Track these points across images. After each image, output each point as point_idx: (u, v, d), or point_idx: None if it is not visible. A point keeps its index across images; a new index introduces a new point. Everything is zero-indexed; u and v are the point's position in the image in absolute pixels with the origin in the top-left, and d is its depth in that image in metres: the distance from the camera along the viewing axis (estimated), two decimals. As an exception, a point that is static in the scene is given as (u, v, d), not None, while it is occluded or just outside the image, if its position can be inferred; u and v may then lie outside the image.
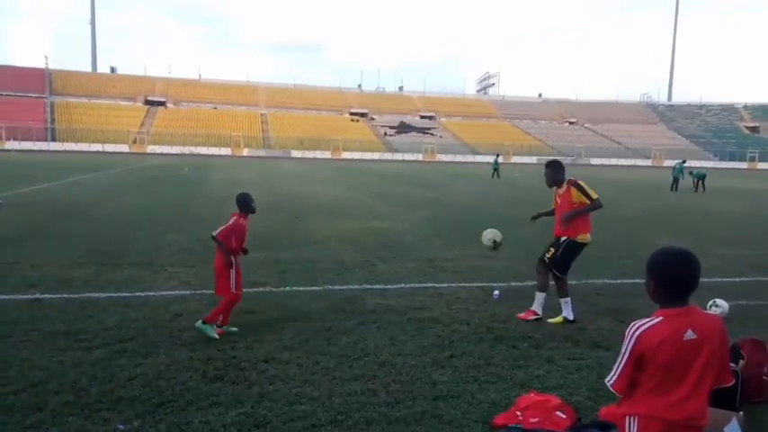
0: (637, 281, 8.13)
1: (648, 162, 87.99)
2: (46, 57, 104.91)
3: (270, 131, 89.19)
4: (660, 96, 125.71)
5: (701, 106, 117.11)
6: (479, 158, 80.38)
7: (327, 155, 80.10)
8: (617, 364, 2.58)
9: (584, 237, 6.24)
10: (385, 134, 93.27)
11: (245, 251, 6.01)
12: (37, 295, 6.97)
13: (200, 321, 5.63)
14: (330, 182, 30.77)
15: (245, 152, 78.89)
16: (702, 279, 2.58)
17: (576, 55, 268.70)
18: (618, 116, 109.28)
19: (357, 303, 6.98)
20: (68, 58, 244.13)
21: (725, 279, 8.59)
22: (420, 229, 13.59)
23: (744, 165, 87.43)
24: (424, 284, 8.03)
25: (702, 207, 21.15)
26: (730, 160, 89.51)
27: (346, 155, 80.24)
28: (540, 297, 6.35)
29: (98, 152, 70.51)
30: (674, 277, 2.53)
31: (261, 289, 7.56)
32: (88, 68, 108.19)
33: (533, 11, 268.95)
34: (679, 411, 2.49)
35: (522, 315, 6.31)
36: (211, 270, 5.93)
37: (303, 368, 4.91)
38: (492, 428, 3.96)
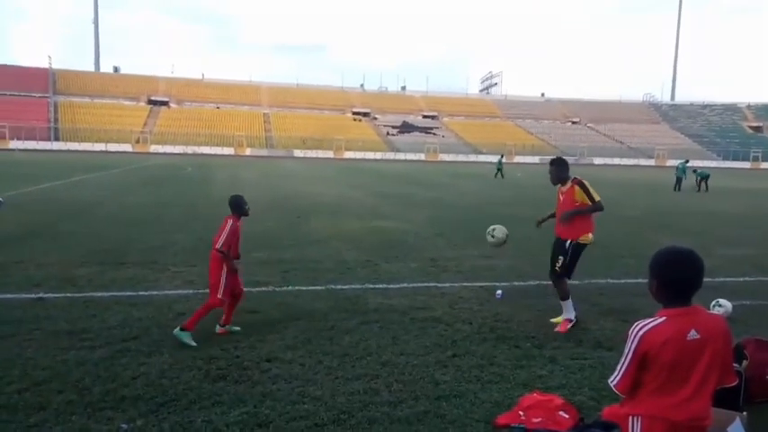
0: (639, 280, 8.12)
1: (651, 162, 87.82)
2: (49, 56, 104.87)
3: (272, 131, 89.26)
4: (663, 96, 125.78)
5: (705, 106, 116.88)
6: (482, 158, 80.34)
7: (330, 154, 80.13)
8: (620, 364, 2.57)
9: (587, 237, 6.20)
10: (387, 134, 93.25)
11: (238, 256, 5.86)
12: (41, 294, 6.99)
13: (177, 329, 5.42)
14: (332, 181, 30.78)
15: (248, 152, 78.96)
16: (705, 279, 2.57)
17: (578, 54, 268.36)
18: (621, 116, 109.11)
19: (360, 303, 6.99)
20: (72, 57, 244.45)
21: (728, 279, 8.57)
22: (422, 228, 13.59)
23: (747, 164, 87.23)
24: (426, 284, 8.03)
25: (705, 207, 21.10)
26: (733, 160, 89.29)
27: (349, 154, 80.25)
28: (567, 305, 6.21)
29: (101, 152, 70.65)
30: (677, 277, 2.52)
31: (264, 288, 7.57)
32: (91, 68, 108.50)
33: (536, 10, 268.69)
34: (683, 412, 2.48)
35: (559, 328, 6.07)
36: (207, 268, 5.92)
37: (306, 367, 4.91)
38: (495, 428, 3.96)
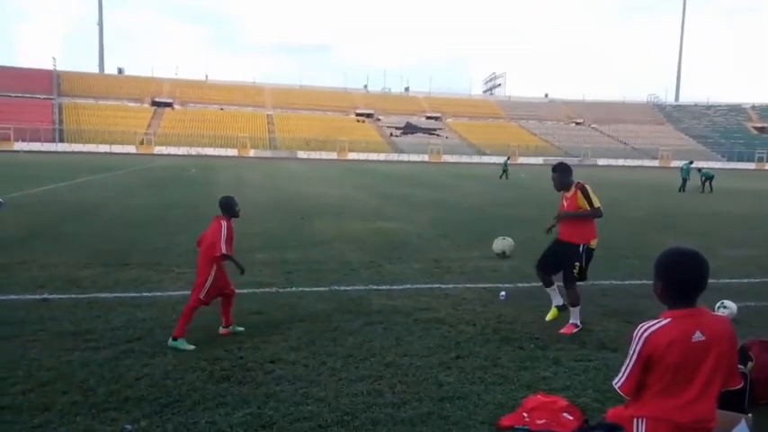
0: (644, 282, 8.10)
1: (655, 163, 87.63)
2: (54, 58, 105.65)
3: (276, 132, 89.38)
4: (667, 97, 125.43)
5: (709, 106, 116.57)
6: (485, 159, 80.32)
7: (333, 155, 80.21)
8: (625, 366, 2.57)
9: (595, 241, 6.20)
10: (391, 135, 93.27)
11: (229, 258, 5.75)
12: (45, 295, 7.01)
13: (170, 340, 5.35)
14: (336, 182, 30.80)
15: (252, 153, 79.08)
16: (710, 280, 2.57)
17: (582, 55, 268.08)
18: (625, 116, 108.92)
19: (363, 304, 6.98)
20: (76, 59, 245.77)
21: (732, 280, 8.54)
22: (426, 229, 13.59)
23: (752, 165, 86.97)
24: (430, 285, 8.02)
25: (709, 208, 21.04)
26: (738, 161, 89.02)
27: (352, 155, 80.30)
28: (576, 311, 6.16)
29: (105, 153, 70.85)
30: (682, 278, 2.52)
31: (267, 290, 7.58)
32: (96, 70, 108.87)
33: (540, 11, 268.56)
34: (687, 414, 2.47)
35: (564, 331, 6.05)
36: None
37: (309, 369, 4.91)
38: (498, 430, 3.95)
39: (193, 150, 76.91)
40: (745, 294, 7.63)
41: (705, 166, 40.47)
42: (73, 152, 69.84)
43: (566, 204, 6.22)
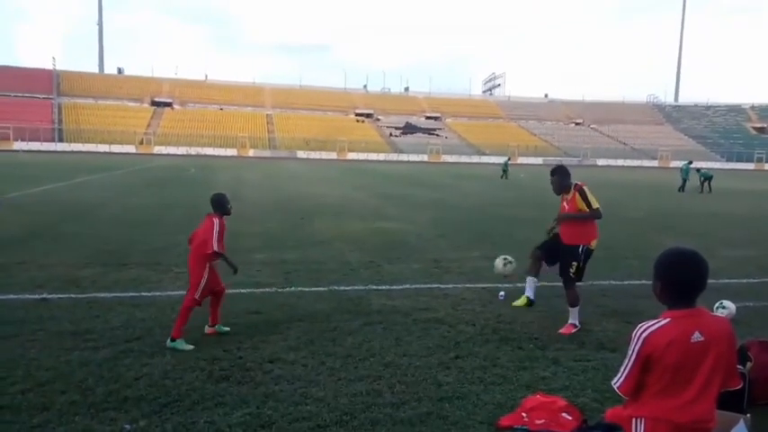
0: (643, 282, 8.10)
1: (655, 163, 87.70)
2: (53, 58, 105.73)
3: (275, 132, 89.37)
4: (667, 97, 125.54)
5: (708, 107, 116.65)
6: (485, 159, 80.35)
7: (333, 155, 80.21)
8: (624, 366, 2.57)
9: (595, 242, 6.20)
10: (390, 135, 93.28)
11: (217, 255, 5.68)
12: (44, 295, 7.00)
13: (168, 341, 5.34)
14: (335, 182, 30.80)
15: (251, 153, 79.08)
16: (709, 280, 2.57)
17: (582, 55, 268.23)
18: (624, 117, 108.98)
19: (362, 304, 6.98)
20: (76, 59, 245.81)
21: (731, 280, 8.55)
22: (425, 229, 13.59)
23: (751, 166, 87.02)
24: (429, 285, 8.02)
25: (709, 208, 21.05)
26: (737, 161, 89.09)
27: (352, 155, 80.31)
28: (574, 312, 6.18)
29: (105, 153, 70.82)
30: (681, 278, 2.52)
31: (266, 289, 7.57)
32: (95, 69, 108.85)
33: (539, 11, 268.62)
34: (686, 414, 2.47)
35: (563, 331, 6.07)
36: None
37: (308, 369, 4.91)
38: (497, 430, 3.95)
39: (193, 150, 76.89)
40: (744, 295, 7.64)
41: (704, 166, 40.51)
42: (72, 152, 69.81)
43: (566, 207, 6.21)
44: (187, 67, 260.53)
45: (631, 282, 8.48)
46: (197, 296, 5.45)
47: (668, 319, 2.51)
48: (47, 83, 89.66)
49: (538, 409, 4.05)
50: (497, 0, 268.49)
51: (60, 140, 76.55)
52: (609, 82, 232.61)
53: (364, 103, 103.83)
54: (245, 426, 3.90)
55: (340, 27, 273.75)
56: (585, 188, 6.14)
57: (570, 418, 3.97)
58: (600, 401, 4.32)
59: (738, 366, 3.12)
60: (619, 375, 2.59)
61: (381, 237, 12.32)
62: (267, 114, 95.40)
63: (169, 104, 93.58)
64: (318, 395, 4.38)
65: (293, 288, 7.70)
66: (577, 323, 6.15)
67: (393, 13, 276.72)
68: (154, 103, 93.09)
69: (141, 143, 78.23)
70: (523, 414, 4.03)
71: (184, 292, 7.21)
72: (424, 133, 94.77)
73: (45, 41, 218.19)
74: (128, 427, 3.86)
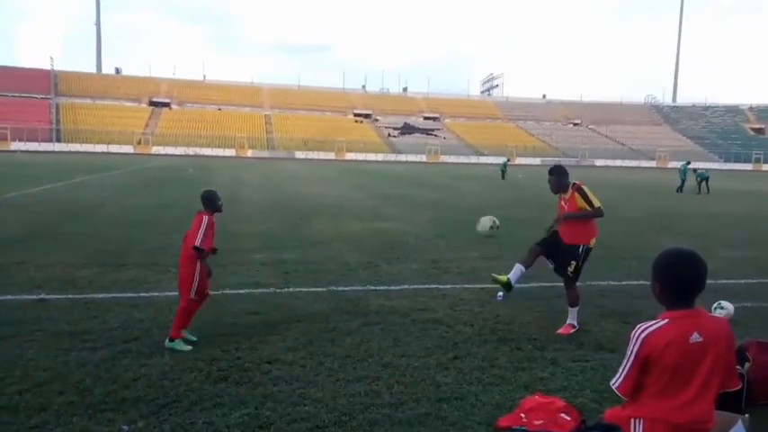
0: (642, 282, 8.11)
1: (653, 163, 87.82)
2: (51, 58, 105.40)
3: (274, 132, 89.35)
4: (665, 97, 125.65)
5: (706, 107, 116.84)
6: (483, 160, 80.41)
7: (331, 156, 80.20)
8: (622, 367, 2.57)
9: (594, 240, 6.20)
10: (389, 135, 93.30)
11: (215, 251, 5.66)
12: (42, 295, 6.99)
13: (167, 341, 5.31)
14: (334, 183, 30.80)
15: (249, 153, 79.05)
16: (707, 281, 2.57)
17: (580, 56, 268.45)
18: (622, 117, 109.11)
19: (361, 304, 6.98)
20: (73, 59, 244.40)
21: (730, 281, 8.56)
22: (424, 230, 13.59)
23: (749, 166, 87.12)
24: (427, 286, 8.02)
25: (707, 209, 21.08)
26: (735, 162, 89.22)
27: (350, 156, 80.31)
28: (574, 312, 6.18)
29: (103, 153, 70.77)
30: (680, 279, 2.52)
31: (265, 290, 7.57)
32: (93, 69, 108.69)
33: (537, 12, 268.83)
34: (685, 414, 2.47)
35: (561, 331, 6.06)
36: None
37: (307, 369, 4.90)
38: (496, 430, 3.95)
39: (191, 150, 76.85)
40: (743, 295, 7.64)
41: (702, 166, 40.56)
42: (70, 152, 69.73)
43: (565, 207, 6.19)
44: (185, 67, 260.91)
45: (630, 282, 8.49)
46: (192, 296, 5.39)
47: (667, 320, 2.51)
48: (44, 83, 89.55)
49: (536, 409, 4.05)
50: (496, 0, 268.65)
51: (58, 140, 76.47)
52: (607, 82, 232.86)
53: (363, 104, 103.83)
54: (244, 426, 3.89)
55: (339, 27, 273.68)
56: (585, 187, 6.14)
57: (569, 418, 3.97)
58: (598, 402, 4.32)
59: (737, 367, 3.12)
60: (617, 376, 2.59)
61: (380, 237, 12.32)
62: (265, 114, 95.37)
63: (167, 104, 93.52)
64: (317, 396, 4.38)
65: (292, 288, 7.69)
66: (576, 324, 6.16)
67: (392, 13, 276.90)
68: (152, 104, 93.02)
69: (139, 143, 78.16)
70: (522, 415, 4.03)
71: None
72: (422, 134, 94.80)
73: (43, 41, 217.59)
74: (126, 427, 3.85)
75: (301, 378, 4.71)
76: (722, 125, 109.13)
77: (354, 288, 7.79)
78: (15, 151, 65.55)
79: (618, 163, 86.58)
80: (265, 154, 79.08)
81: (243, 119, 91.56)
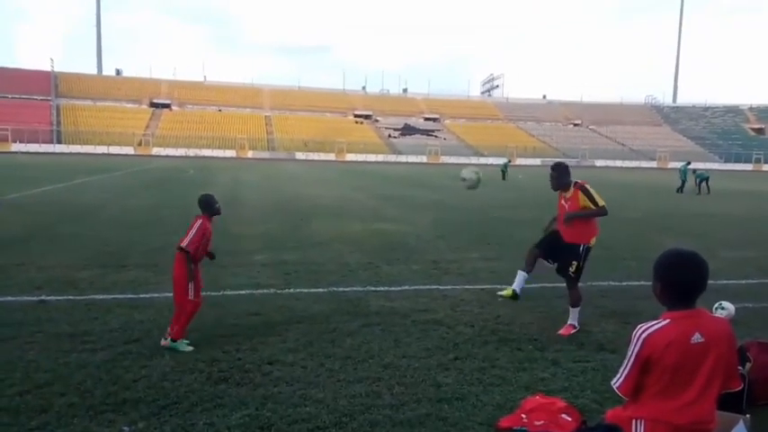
0: (642, 283, 8.11)
1: (653, 164, 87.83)
2: (52, 59, 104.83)
3: (274, 133, 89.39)
4: (665, 98, 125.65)
5: (706, 108, 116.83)
6: (483, 160, 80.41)
7: (331, 157, 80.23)
8: (623, 367, 2.57)
9: (595, 239, 6.19)
10: (389, 136, 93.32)
11: (212, 256, 5.62)
12: (42, 297, 6.99)
13: (168, 341, 5.26)
14: (334, 184, 30.80)
15: (250, 154, 79.09)
16: (708, 281, 2.57)
17: (580, 57, 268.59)
18: (622, 118, 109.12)
19: (361, 305, 6.98)
20: (74, 60, 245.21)
21: (730, 281, 8.55)
22: (424, 231, 13.59)
23: (749, 166, 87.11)
24: (428, 286, 8.02)
25: (707, 209, 21.06)
26: (735, 162, 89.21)
27: (350, 157, 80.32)
28: (575, 312, 6.18)
29: (103, 154, 70.81)
30: (681, 279, 2.52)
31: (265, 291, 7.57)
32: (94, 71, 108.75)
33: (538, 12, 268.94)
34: (686, 415, 2.47)
35: (562, 332, 6.06)
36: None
37: (307, 370, 4.90)
38: (497, 431, 3.94)
39: (191, 152, 76.90)
40: (743, 295, 7.63)
41: (703, 167, 40.60)
42: (71, 153, 69.78)
43: (566, 206, 6.17)
44: (185, 68, 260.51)
45: (630, 282, 8.48)
46: (192, 297, 5.37)
47: (668, 321, 2.51)
48: (45, 84, 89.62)
49: (537, 410, 4.04)
50: (496, 0, 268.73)
51: (59, 142, 76.53)
52: (607, 83, 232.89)
53: (363, 105, 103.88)
54: (244, 427, 3.89)
55: (339, 28, 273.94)
56: (588, 186, 6.13)
57: (570, 419, 3.97)
58: (599, 402, 4.31)
59: (738, 367, 3.12)
60: (618, 376, 2.59)
61: (380, 238, 12.32)
62: (266, 116, 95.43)
63: (167, 106, 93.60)
64: (317, 397, 4.37)
65: (292, 289, 7.69)
66: (577, 324, 6.15)
67: (392, 13, 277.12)
68: (152, 105, 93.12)
69: (140, 144, 78.21)
70: (523, 415, 4.02)
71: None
72: (422, 134, 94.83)
73: (43, 43, 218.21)
74: (126, 429, 3.85)
75: (302, 379, 4.71)
76: (722, 125, 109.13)
77: (355, 289, 7.79)
78: (16, 152, 65.53)
79: (618, 163, 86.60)
80: (266, 155, 79.11)
81: (243, 120, 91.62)
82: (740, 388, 2.74)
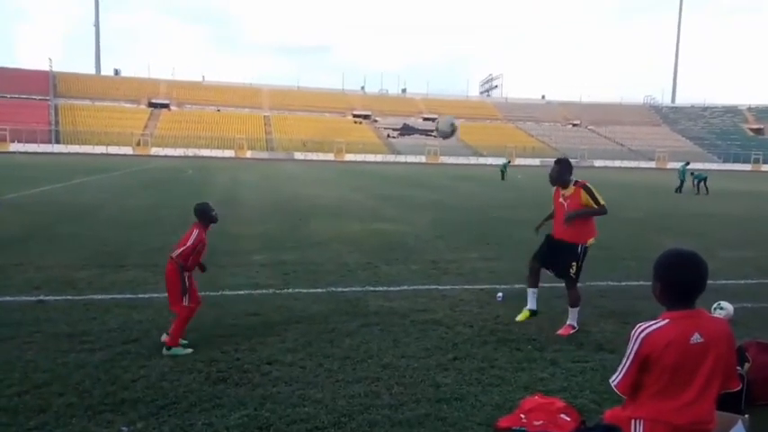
0: (641, 283, 8.11)
1: (652, 164, 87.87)
2: (50, 59, 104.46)
3: (273, 133, 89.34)
4: (664, 98, 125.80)
5: (705, 108, 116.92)
6: (482, 160, 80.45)
7: (330, 157, 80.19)
8: (622, 365, 2.57)
9: (592, 240, 6.19)
10: (388, 136, 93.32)
11: (203, 268, 5.63)
12: (41, 297, 6.98)
13: (164, 349, 5.20)
14: (333, 184, 30.79)
15: (249, 154, 79.04)
16: (707, 281, 2.57)
17: (579, 57, 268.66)
18: (621, 118, 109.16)
19: (360, 305, 6.97)
20: (72, 60, 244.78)
21: (729, 281, 8.55)
22: (423, 231, 13.59)
23: (748, 167, 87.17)
24: (427, 286, 8.02)
25: (706, 209, 21.09)
26: (734, 162, 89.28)
27: (349, 157, 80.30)
28: (574, 312, 6.18)
29: (102, 154, 70.73)
30: (681, 279, 2.52)
31: (264, 291, 7.56)
32: (92, 71, 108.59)
33: (536, 12, 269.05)
34: (685, 415, 2.47)
35: (561, 332, 6.06)
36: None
37: (306, 370, 4.90)
38: (496, 431, 3.94)
39: (190, 152, 76.83)
40: (742, 295, 7.64)
41: (701, 167, 40.67)
42: (69, 153, 69.69)
43: (565, 204, 6.15)
44: (184, 68, 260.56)
45: (629, 283, 8.49)
46: (186, 303, 5.35)
47: (667, 320, 2.51)
48: (43, 84, 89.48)
49: (536, 410, 4.04)
50: (496, 0, 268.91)
51: (57, 142, 76.42)
52: (606, 83, 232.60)
53: (362, 105, 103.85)
54: (243, 428, 3.89)
55: (338, 28, 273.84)
56: (590, 185, 6.13)
57: (569, 419, 3.97)
58: (598, 403, 4.32)
59: (737, 367, 3.12)
60: (617, 374, 2.60)
61: (379, 238, 12.31)
62: (264, 116, 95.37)
63: (166, 106, 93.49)
64: (316, 397, 4.37)
65: (291, 289, 7.69)
66: (576, 324, 6.15)
67: (391, 13, 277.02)
68: (151, 105, 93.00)
69: (138, 144, 78.13)
70: (522, 415, 4.02)
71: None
72: (421, 134, 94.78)
73: (41, 43, 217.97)
74: (125, 429, 3.84)
75: (301, 379, 4.71)
76: (721, 126, 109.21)
77: (354, 289, 7.78)
78: (14, 152, 65.46)
79: (617, 163, 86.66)
80: (264, 155, 79.06)
81: (242, 120, 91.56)
82: (739, 388, 2.74)
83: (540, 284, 6.51)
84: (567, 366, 5.13)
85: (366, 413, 4.12)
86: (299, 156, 79.58)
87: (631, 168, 78.92)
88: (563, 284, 6.33)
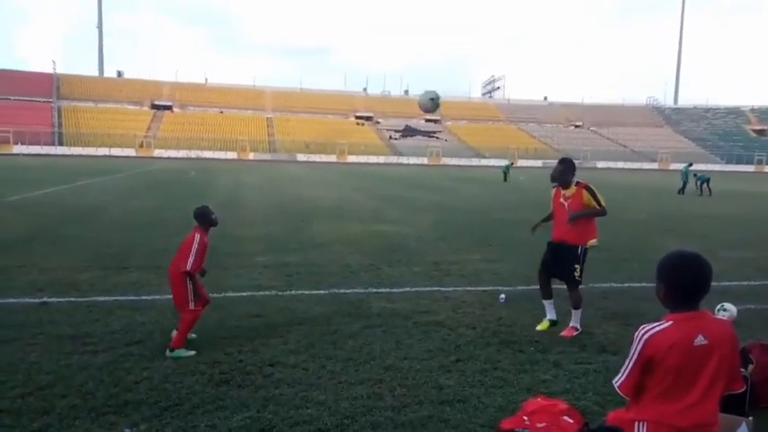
0: (644, 284, 8.10)
1: (655, 165, 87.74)
2: (53, 61, 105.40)
3: (276, 135, 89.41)
4: (666, 99, 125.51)
5: (708, 109, 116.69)
6: (485, 162, 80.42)
7: (333, 158, 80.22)
8: (625, 366, 2.57)
9: (593, 241, 6.18)
10: (390, 137, 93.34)
11: (203, 272, 5.64)
12: (44, 299, 6.99)
13: (167, 351, 5.23)
14: (336, 185, 30.81)
15: (251, 156, 79.12)
16: (711, 283, 2.56)
17: (581, 58, 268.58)
18: (624, 119, 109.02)
19: (363, 307, 6.97)
20: (76, 62, 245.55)
21: (732, 283, 8.53)
22: (425, 232, 13.58)
23: (751, 168, 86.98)
24: (429, 288, 8.01)
25: (709, 210, 21.04)
26: (737, 163, 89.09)
27: (352, 158, 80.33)
28: (577, 314, 6.17)
29: (105, 156, 70.84)
30: (684, 281, 2.51)
31: (267, 293, 7.57)
32: (95, 73, 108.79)
33: (539, 14, 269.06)
34: (688, 418, 2.47)
35: (564, 334, 6.07)
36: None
37: (309, 372, 4.90)
38: (499, 433, 3.94)
39: (193, 153, 76.92)
40: (746, 297, 7.62)
41: (704, 168, 40.59)
42: (72, 155, 69.83)
43: (566, 204, 6.15)
44: (187, 70, 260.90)
45: (632, 284, 8.47)
46: (192, 307, 5.37)
47: (671, 322, 2.51)
48: (47, 86, 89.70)
49: (539, 412, 4.03)
50: (497, 1, 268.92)
51: (60, 144, 76.59)
52: (608, 84, 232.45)
53: (364, 106, 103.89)
54: (246, 430, 3.89)
55: (340, 29, 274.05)
56: (592, 186, 6.13)
57: (571, 421, 3.96)
58: (601, 405, 4.31)
59: (740, 369, 3.11)
60: (620, 375, 2.59)
61: (381, 240, 12.31)
62: (267, 117, 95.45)
63: (169, 107, 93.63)
64: (319, 399, 4.37)
65: (294, 291, 7.69)
66: (579, 326, 6.15)
67: (393, 14, 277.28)
68: (154, 107, 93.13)
69: (141, 146, 78.24)
70: (525, 417, 4.01)
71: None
72: (423, 136, 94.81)
73: (45, 45, 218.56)
74: (128, 431, 3.85)
75: (303, 381, 4.71)
76: (724, 127, 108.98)
77: (356, 291, 7.79)
78: (17, 155, 65.59)
79: (620, 165, 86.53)
80: (267, 157, 79.14)
81: (245, 122, 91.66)
82: (743, 390, 2.74)
83: (539, 286, 6.50)
84: (570, 368, 5.12)
85: (369, 415, 4.12)
86: (301, 157, 79.62)
87: (634, 170, 78.77)
88: (566, 286, 6.31)
